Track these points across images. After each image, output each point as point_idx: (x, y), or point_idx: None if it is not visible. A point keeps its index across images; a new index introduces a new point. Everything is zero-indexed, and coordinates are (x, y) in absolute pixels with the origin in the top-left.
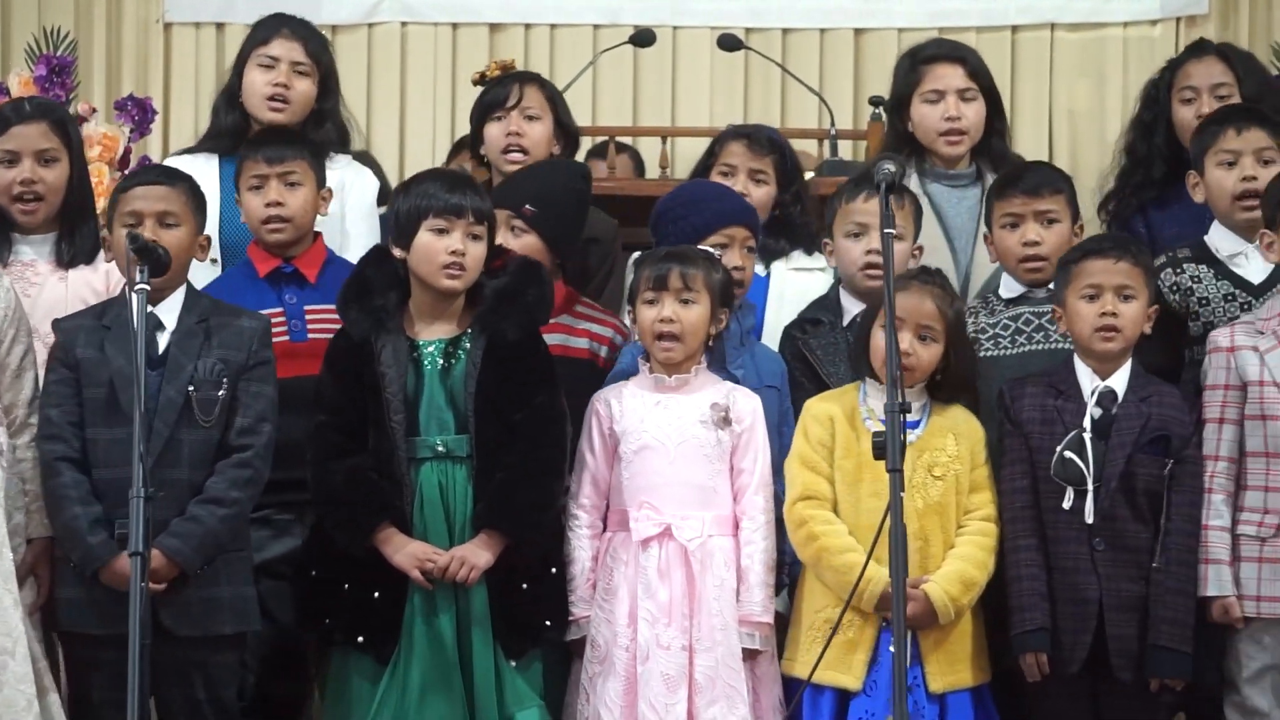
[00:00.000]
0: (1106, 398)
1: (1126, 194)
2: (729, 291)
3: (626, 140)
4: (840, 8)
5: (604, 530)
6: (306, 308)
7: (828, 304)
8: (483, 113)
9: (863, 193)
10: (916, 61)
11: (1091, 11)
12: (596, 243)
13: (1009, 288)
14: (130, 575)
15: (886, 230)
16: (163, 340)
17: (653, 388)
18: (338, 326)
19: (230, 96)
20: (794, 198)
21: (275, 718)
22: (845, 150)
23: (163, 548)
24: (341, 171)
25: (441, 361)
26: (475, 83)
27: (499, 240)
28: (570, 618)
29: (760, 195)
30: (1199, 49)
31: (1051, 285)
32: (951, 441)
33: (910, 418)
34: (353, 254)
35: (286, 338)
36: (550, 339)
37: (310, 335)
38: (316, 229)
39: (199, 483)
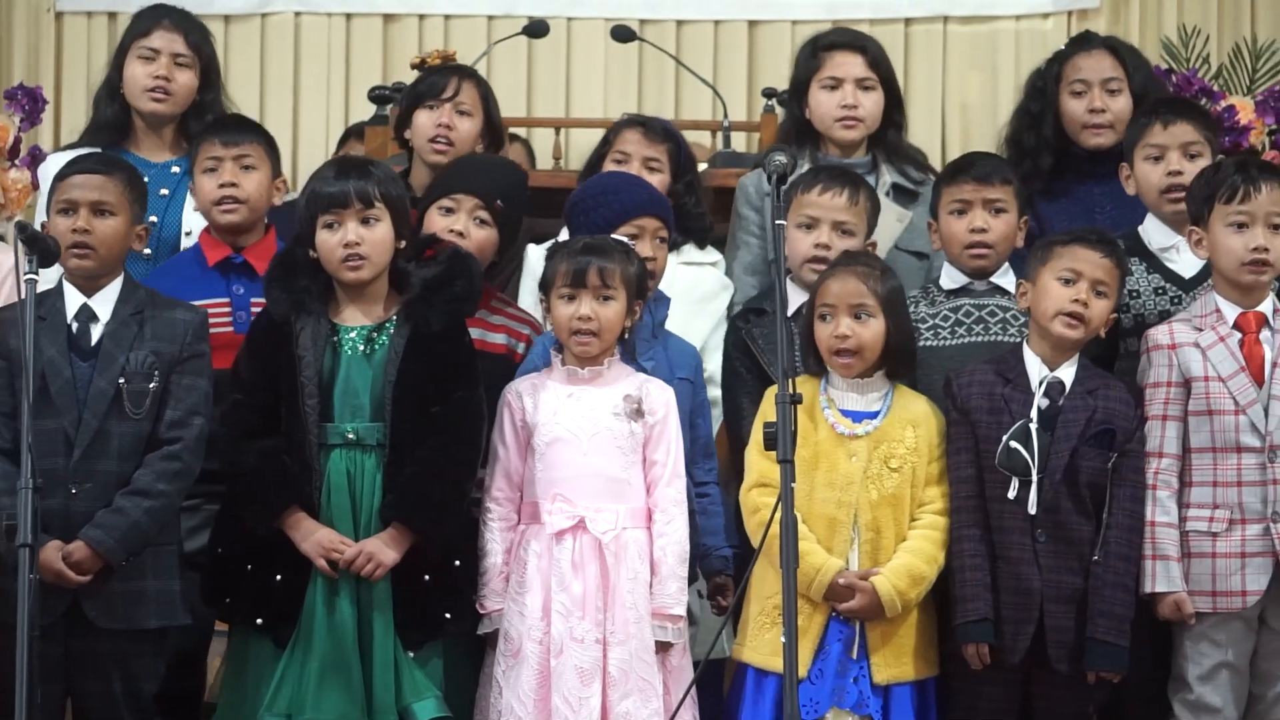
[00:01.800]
0: (1054, 389)
1: None
2: (644, 284)
3: (520, 131)
4: (735, 0)
5: (517, 523)
6: (253, 300)
7: (774, 294)
8: (416, 98)
9: (818, 184)
10: (817, 48)
11: (983, 5)
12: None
13: (950, 278)
14: (53, 567)
15: (779, 222)
16: (96, 331)
17: (565, 380)
18: None
19: (111, 89)
20: (687, 188)
21: (188, 713)
22: (738, 142)
23: (87, 539)
24: None
25: (362, 347)
26: (414, 67)
27: (459, 225)
28: (483, 611)
29: (654, 183)
30: (1086, 41)
31: (992, 278)
32: (910, 433)
33: (870, 408)
34: None
35: (231, 329)
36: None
37: None
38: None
39: (128, 475)
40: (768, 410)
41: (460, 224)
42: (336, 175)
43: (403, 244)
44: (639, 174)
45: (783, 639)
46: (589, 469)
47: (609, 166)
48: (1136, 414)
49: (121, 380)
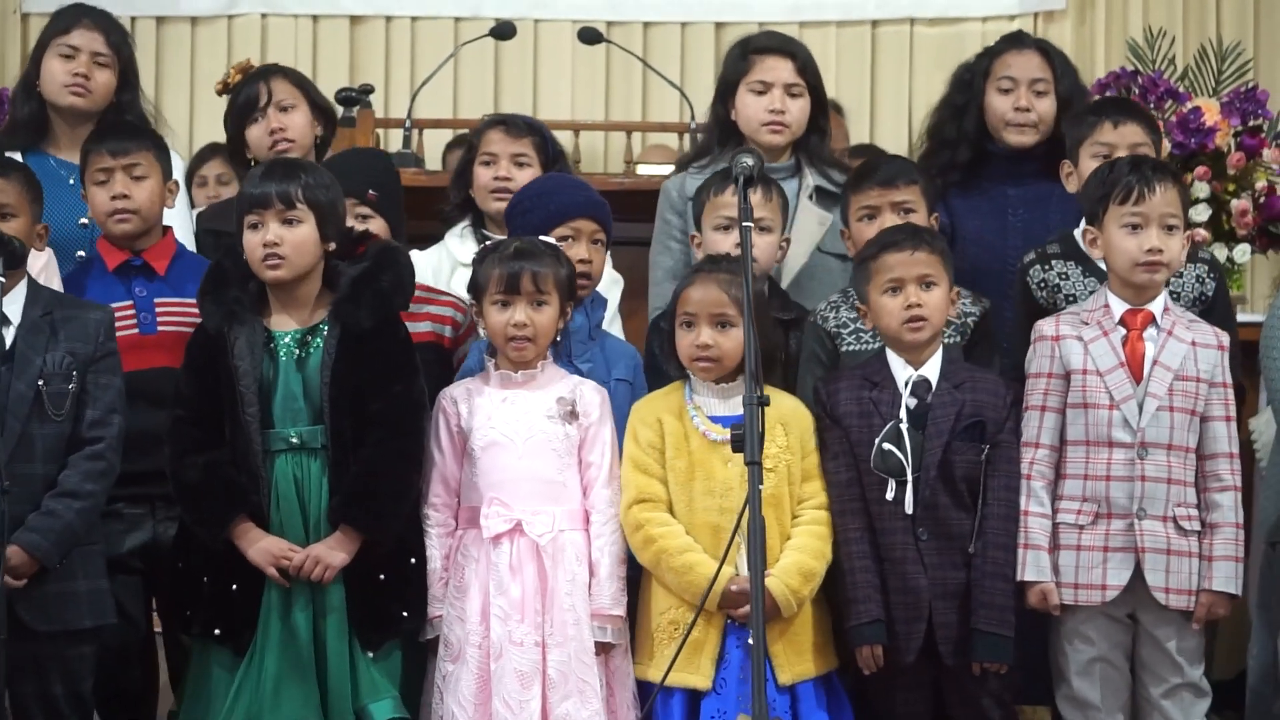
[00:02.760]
0: (920, 387)
1: (931, 176)
2: (574, 286)
3: None
4: (701, 2)
5: (455, 529)
6: (156, 300)
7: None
8: (239, 118)
9: (730, 185)
10: (747, 51)
11: (950, 6)
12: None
13: None
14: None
15: (745, 224)
16: (9, 335)
17: (500, 384)
18: (187, 318)
19: (28, 86)
20: None
21: (124, 711)
22: None
23: (22, 543)
24: None
25: (297, 351)
26: (220, 92)
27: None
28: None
29: (524, 179)
30: (1018, 40)
31: None
32: (781, 433)
33: (737, 411)
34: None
35: (136, 330)
36: (412, 327)
37: (160, 328)
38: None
39: (53, 477)
40: (636, 426)
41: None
42: (262, 177)
43: (332, 246)
44: (508, 171)
45: (750, 642)
46: (525, 472)
47: (478, 169)
48: (1005, 404)
49: (40, 382)
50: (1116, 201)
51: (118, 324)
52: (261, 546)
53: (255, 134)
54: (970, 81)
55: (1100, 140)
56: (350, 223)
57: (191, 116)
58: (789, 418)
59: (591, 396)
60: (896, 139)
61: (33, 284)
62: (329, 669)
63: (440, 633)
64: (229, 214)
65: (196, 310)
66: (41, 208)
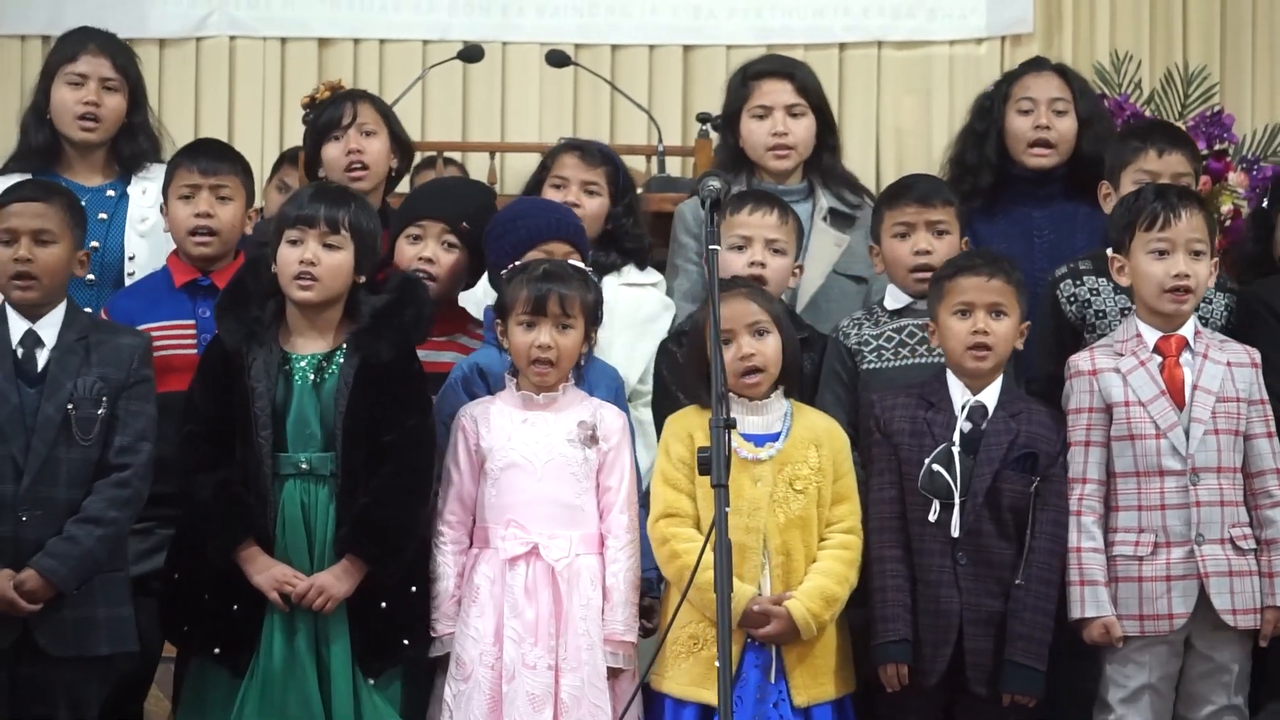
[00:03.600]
0: (976, 412)
1: None
2: (600, 311)
3: (455, 155)
4: (669, 25)
5: (469, 546)
6: None
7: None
8: (319, 135)
9: (747, 206)
10: (746, 77)
11: (917, 30)
12: None
13: (894, 299)
14: (5, 595)
15: (712, 247)
16: (42, 357)
17: (521, 405)
18: None
19: (39, 114)
20: (626, 210)
21: None
22: (673, 166)
23: (39, 568)
24: (157, 181)
25: (313, 376)
26: (305, 106)
27: (428, 251)
28: (434, 634)
29: (593, 207)
30: (1037, 64)
31: None
32: (814, 453)
33: (771, 429)
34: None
35: (195, 350)
36: (436, 356)
37: None
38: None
39: (77, 502)
40: (668, 440)
41: (429, 250)
42: (311, 198)
43: (363, 279)
44: (577, 197)
45: (716, 664)
46: (543, 495)
47: (548, 191)
48: (1059, 438)
49: (70, 406)
50: (1142, 228)
51: (175, 342)
52: (269, 574)
53: (332, 153)
54: (990, 108)
55: (1144, 168)
56: (434, 247)
57: (160, 139)
58: (823, 438)
59: (613, 421)
60: (864, 162)
61: (71, 306)
62: (332, 695)
63: (451, 650)
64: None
65: None
66: (84, 232)
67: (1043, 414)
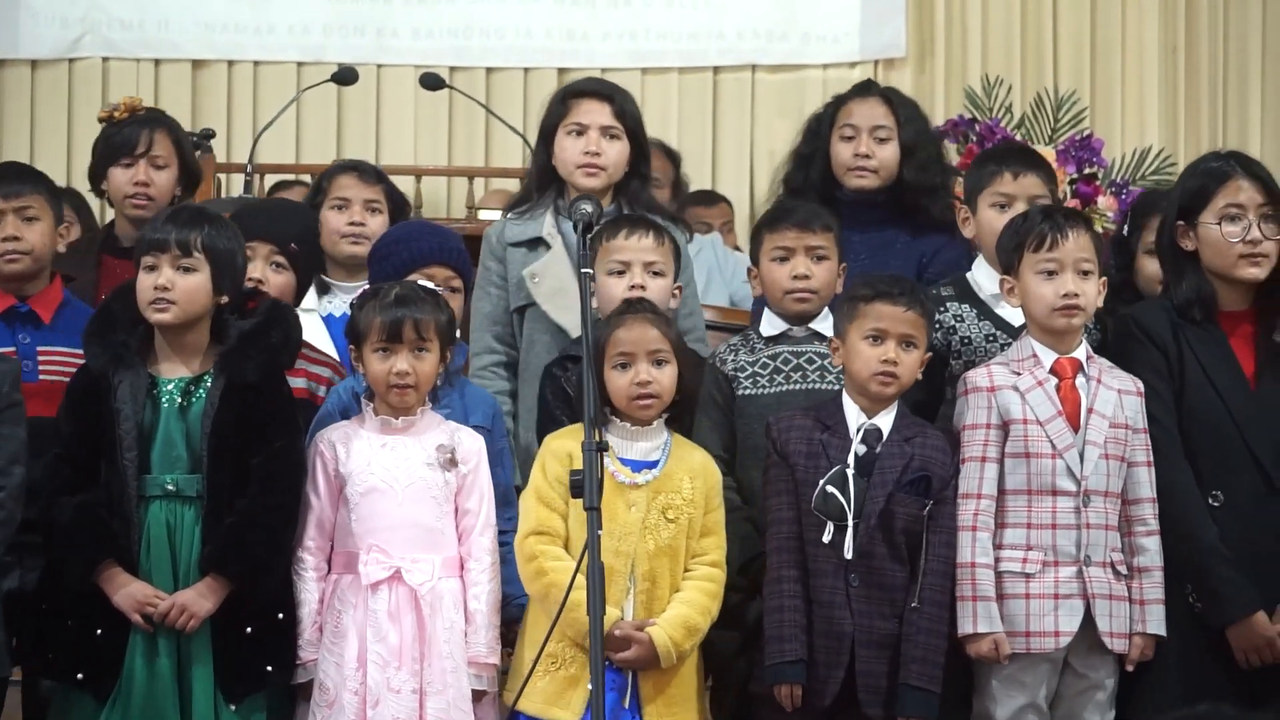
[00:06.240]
0: (871, 435)
1: None
2: (454, 331)
3: None
4: (543, 48)
5: (329, 572)
6: (40, 348)
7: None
8: (111, 154)
9: (623, 230)
10: (566, 95)
11: (791, 53)
12: None
13: (771, 325)
14: None
15: (584, 270)
16: None
17: (379, 430)
18: (70, 368)
19: None
20: None
21: None
22: None
23: None
24: None
25: (180, 399)
26: (101, 121)
27: (257, 273)
28: (297, 661)
29: (376, 224)
30: (865, 89)
31: (811, 324)
32: (688, 484)
33: (649, 457)
34: None
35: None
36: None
37: (42, 376)
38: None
39: None
40: (546, 459)
41: (258, 271)
42: (164, 221)
43: (224, 299)
44: (361, 217)
45: (575, 685)
46: (404, 519)
47: (329, 213)
48: (952, 462)
49: None
50: (1031, 249)
51: None
52: (127, 592)
53: (119, 178)
54: (818, 130)
55: (1000, 190)
56: (264, 269)
57: (33, 161)
58: (698, 471)
59: (470, 444)
60: (738, 185)
61: None
62: (194, 719)
63: (314, 677)
64: None
65: (80, 359)
66: (62, 211)
67: (937, 438)
